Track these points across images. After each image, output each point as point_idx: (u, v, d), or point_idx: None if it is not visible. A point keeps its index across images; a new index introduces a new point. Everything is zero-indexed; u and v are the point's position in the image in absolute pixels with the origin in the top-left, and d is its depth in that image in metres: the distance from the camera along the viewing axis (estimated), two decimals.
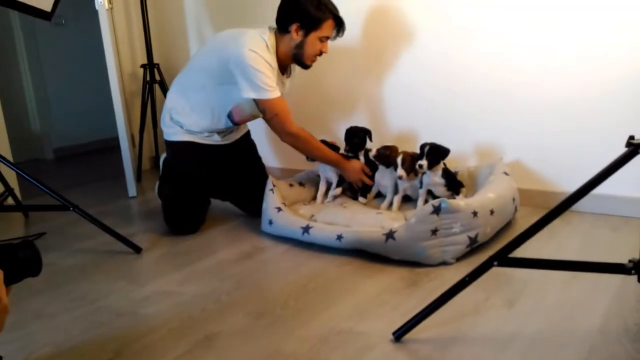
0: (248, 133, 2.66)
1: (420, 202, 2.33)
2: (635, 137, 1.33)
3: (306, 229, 2.11)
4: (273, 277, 1.93)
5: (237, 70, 2.17)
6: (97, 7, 2.78)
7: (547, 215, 1.33)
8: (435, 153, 2.22)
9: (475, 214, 1.90)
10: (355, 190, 2.50)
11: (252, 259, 2.07)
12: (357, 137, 2.48)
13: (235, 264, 2.02)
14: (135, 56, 3.69)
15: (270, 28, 2.29)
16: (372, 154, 2.39)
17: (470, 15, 2.46)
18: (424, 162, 2.21)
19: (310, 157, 2.41)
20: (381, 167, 2.42)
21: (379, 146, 2.42)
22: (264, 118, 2.31)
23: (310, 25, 2.22)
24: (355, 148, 2.48)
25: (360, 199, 2.46)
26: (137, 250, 2.18)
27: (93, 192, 3.21)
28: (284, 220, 2.20)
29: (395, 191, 2.42)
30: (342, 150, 2.50)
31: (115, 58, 2.87)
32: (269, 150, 3.17)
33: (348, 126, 2.52)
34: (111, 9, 2.89)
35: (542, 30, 2.31)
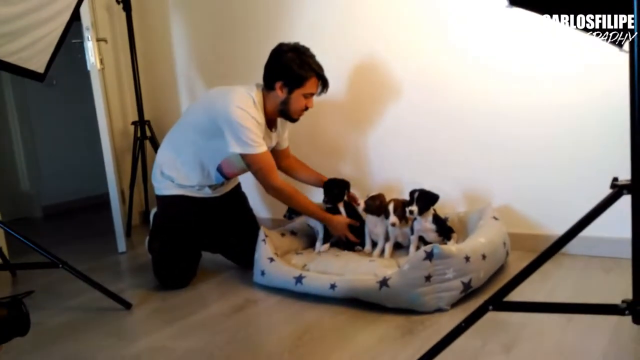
0: (239, 185, 2.69)
1: (412, 248, 2.34)
2: (619, 179, 1.37)
3: (299, 279, 2.09)
4: (267, 330, 1.90)
5: (225, 126, 2.23)
6: (89, 68, 2.84)
7: (538, 258, 1.34)
8: (425, 199, 2.25)
9: (467, 259, 1.91)
10: (344, 243, 2.51)
11: (244, 312, 2.04)
12: (337, 188, 2.51)
13: (228, 317, 1.99)
14: (126, 113, 3.74)
15: (257, 85, 2.37)
16: (361, 207, 2.41)
17: (451, 63, 2.55)
18: (414, 208, 2.23)
19: (290, 214, 2.51)
20: (371, 217, 2.43)
21: (364, 197, 2.44)
22: (250, 170, 2.36)
23: (294, 83, 2.29)
24: (334, 200, 2.50)
25: (357, 247, 2.48)
26: (127, 306, 2.15)
27: (82, 248, 3.17)
28: (277, 271, 2.19)
29: (387, 238, 2.42)
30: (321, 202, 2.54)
31: (106, 116, 2.91)
32: (259, 201, 3.18)
33: (330, 177, 2.57)
34: (103, 69, 2.96)
35: (526, 76, 2.40)
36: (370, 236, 2.49)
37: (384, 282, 1.89)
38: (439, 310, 1.88)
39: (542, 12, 1.31)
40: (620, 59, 1.32)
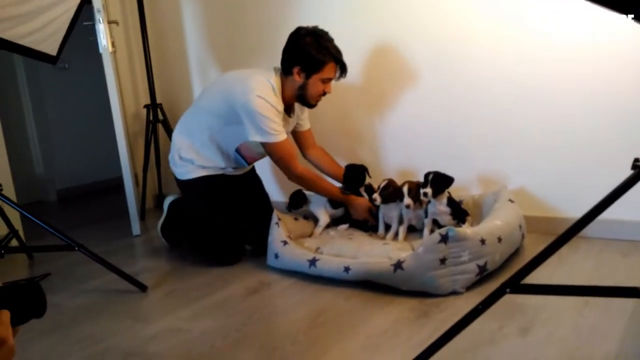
0: (253, 169, 2.70)
1: (426, 231, 2.32)
2: None
3: (313, 262, 2.09)
4: (281, 312, 1.90)
5: (244, 114, 2.22)
6: (101, 50, 2.83)
7: (555, 241, 1.32)
8: (440, 181, 2.23)
9: (483, 241, 1.89)
10: (359, 224, 2.51)
11: (259, 294, 2.04)
12: (356, 174, 2.50)
13: (243, 299, 2.00)
14: (138, 97, 3.74)
15: (275, 70, 2.34)
16: (377, 202, 2.35)
17: (468, 46, 2.51)
18: (428, 190, 2.21)
19: (290, 207, 2.53)
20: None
21: (378, 185, 2.41)
22: (271, 159, 2.36)
23: (311, 68, 2.26)
24: (354, 185, 2.49)
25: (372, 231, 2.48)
26: (143, 288, 2.16)
27: (96, 232, 3.20)
28: (290, 254, 2.19)
29: (400, 221, 2.41)
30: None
31: (119, 100, 2.91)
32: (274, 183, 3.17)
33: (348, 162, 2.55)
34: (114, 51, 2.94)
35: (543, 58, 2.35)
36: (384, 219, 2.48)
37: (398, 265, 1.88)
38: (454, 293, 1.87)
39: None
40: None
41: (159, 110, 3.44)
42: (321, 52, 2.24)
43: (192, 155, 2.40)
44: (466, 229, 1.89)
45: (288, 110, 2.41)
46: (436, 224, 2.34)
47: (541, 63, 2.35)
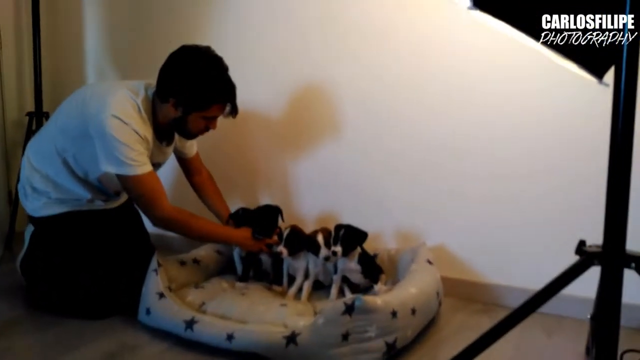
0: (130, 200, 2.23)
1: (333, 289, 2.01)
2: (587, 243, 1.10)
3: (190, 324, 1.70)
4: None
5: (96, 137, 1.79)
6: None
7: (489, 332, 1.05)
8: (352, 238, 1.94)
9: (394, 314, 1.59)
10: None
11: None
12: (269, 216, 2.14)
13: None
14: (23, 103, 3.22)
15: (147, 86, 1.92)
16: (283, 255, 2.02)
17: (394, 90, 2.26)
18: (338, 249, 1.91)
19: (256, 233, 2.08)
20: None
21: (279, 233, 2.09)
22: (129, 196, 1.93)
23: (191, 105, 1.86)
24: (267, 230, 2.11)
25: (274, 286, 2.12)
26: None
27: None
28: (166, 310, 1.79)
29: (306, 275, 2.08)
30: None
31: None
32: None
33: (258, 201, 2.20)
34: None
35: (478, 104, 2.14)
36: (288, 270, 2.14)
37: (291, 339, 1.53)
38: None
39: (510, 22, 1.01)
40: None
41: (44, 119, 2.95)
42: (208, 89, 1.83)
43: (47, 186, 1.94)
44: (376, 299, 1.58)
45: (163, 136, 2.00)
46: (346, 281, 2.04)
47: (476, 111, 2.14)
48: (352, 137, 2.38)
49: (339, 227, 1.94)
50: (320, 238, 1.97)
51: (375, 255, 2.18)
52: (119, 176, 1.82)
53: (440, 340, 1.81)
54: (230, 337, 1.62)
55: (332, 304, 1.61)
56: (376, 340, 1.55)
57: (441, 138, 2.20)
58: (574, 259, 1.12)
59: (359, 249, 1.98)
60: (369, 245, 2.16)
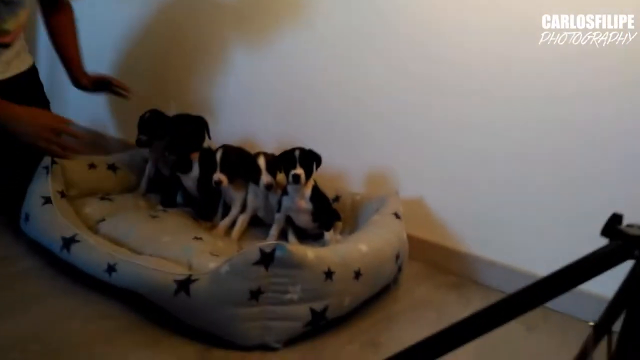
0: (33, 70, 1.80)
1: (273, 230, 1.62)
2: (625, 220, 0.67)
3: (68, 243, 1.31)
4: None
5: None
6: None
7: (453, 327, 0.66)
8: (310, 159, 1.52)
9: (328, 274, 1.18)
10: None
11: None
12: (191, 129, 1.67)
13: None
14: None
15: None
16: (223, 184, 1.60)
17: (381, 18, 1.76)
18: (300, 171, 1.48)
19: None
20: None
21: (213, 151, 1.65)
22: None
23: None
24: (184, 146, 1.66)
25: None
26: None
27: None
28: (45, 220, 1.40)
29: (243, 208, 1.68)
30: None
31: None
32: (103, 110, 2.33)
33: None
34: None
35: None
36: (224, 199, 1.73)
37: (184, 285, 1.14)
38: (264, 347, 1.16)
39: None
40: None
41: None
42: None
43: None
44: (307, 251, 1.17)
45: None
46: (291, 223, 1.64)
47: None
48: (320, 44, 1.90)
49: (291, 150, 1.52)
50: (261, 161, 1.56)
51: (337, 198, 1.78)
52: None
53: (389, 315, 1.41)
54: (111, 268, 1.23)
55: (244, 250, 1.19)
56: (299, 304, 1.16)
57: (439, 56, 1.72)
58: (582, 242, 0.73)
59: (312, 182, 1.56)
60: (330, 185, 1.76)
